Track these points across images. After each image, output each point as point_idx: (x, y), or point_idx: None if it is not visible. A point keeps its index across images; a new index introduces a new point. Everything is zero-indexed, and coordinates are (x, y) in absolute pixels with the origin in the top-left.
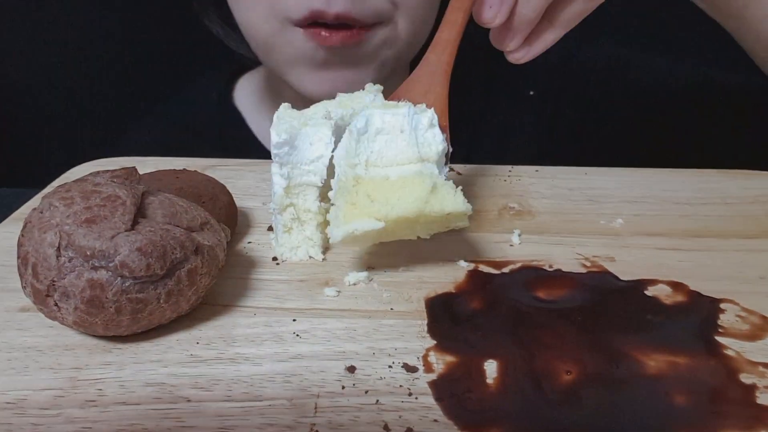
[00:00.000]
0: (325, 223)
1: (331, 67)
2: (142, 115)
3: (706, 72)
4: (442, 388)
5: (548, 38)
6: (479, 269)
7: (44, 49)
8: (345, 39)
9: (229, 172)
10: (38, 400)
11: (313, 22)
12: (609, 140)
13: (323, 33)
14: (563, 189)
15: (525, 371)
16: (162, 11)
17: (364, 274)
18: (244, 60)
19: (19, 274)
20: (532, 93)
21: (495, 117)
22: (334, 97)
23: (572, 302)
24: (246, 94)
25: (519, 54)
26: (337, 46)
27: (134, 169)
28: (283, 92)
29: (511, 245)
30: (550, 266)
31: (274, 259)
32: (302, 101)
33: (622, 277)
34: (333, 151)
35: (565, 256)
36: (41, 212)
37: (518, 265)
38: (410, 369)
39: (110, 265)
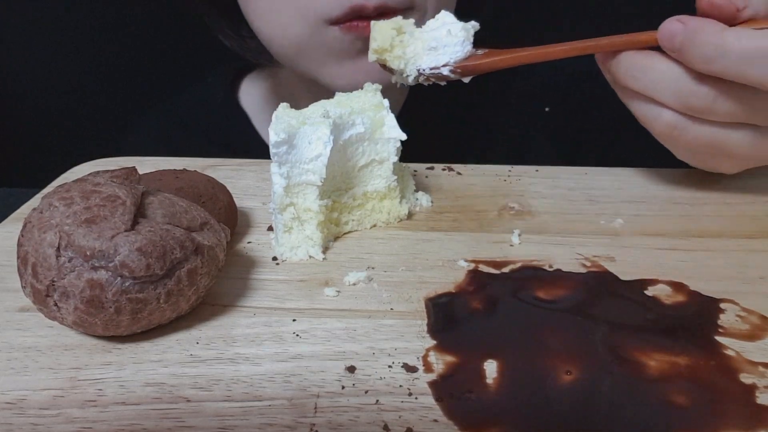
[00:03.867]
0: (325, 222)
1: (365, 56)
2: (146, 114)
3: None
4: (442, 388)
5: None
6: (479, 269)
7: (44, 48)
8: None
9: (229, 172)
10: (38, 400)
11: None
12: (609, 140)
13: (360, 24)
14: (563, 189)
15: (525, 371)
16: (166, 10)
17: (364, 274)
18: (250, 61)
19: (19, 274)
20: (547, 109)
21: (508, 128)
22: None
23: (572, 302)
24: (251, 94)
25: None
26: None
27: (134, 169)
28: (290, 91)
29: (511, 245)
30: (550, 266)
31: (274, 258)
32: (310, 99)
33: (622, 277)
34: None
35: (565, 256)
36: (41, 212)
37: (518, 265)
38: (410, 369)
39: (110, 265)
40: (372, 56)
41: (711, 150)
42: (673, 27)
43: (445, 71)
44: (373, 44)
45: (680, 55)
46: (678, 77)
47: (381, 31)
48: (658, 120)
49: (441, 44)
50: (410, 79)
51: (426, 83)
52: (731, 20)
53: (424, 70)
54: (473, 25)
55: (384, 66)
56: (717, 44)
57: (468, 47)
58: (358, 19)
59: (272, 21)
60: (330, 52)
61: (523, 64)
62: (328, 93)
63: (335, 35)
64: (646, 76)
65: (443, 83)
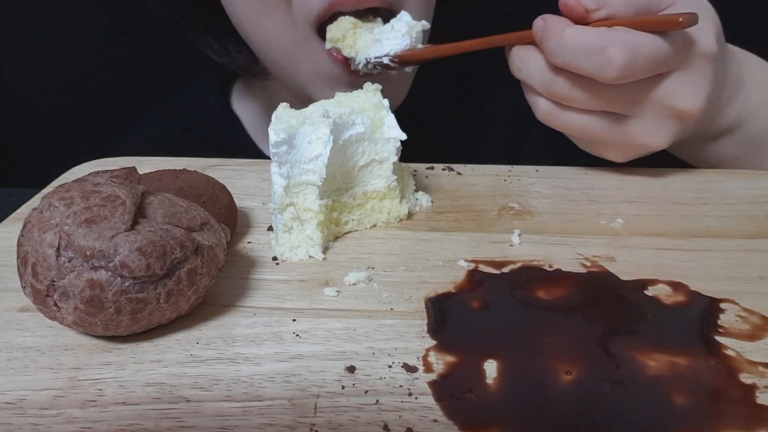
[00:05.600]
0: (326, 222)
1: (350, 87)
2: (141, 116)
3: None
4: (442, 388)
5: None
6: (479, 269)
7: (44, 49)
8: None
9: (229, 172)
10: (38, 400)
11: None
12: None
13: (338, 55)
14: (563, 189)
15: (525, 371)
16: (161, 13)
17: (364, 274)
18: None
19: (19, 274)
20: None
21: (501, 118)
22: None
23: (572, 302)
24: (243, 97)
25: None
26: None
27: (134, 169)
28: (282, 97)
29: (511, 245)
30: (550, 266)
31: (274, 258)
32: (300, 106)
33: (622, 277)
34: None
35: (565, 256)
36: (41, 212)
37: (518, 265)
38: (410, 369)
39: (110, 265)
40: (328, 44)
41: (584, 136)
42: (537, 23)
43: (386, 60)
44: (329, 34)
45: (541, 49)
46: (543, 68)
47: (339, 24)
48: (536, 107)
49: (384, 37)
50: (360, 66)
51: (374, 71)
52: (583, 19)
53: (370, 59)
54: (423, 25)
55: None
56: (557, 39)
57: (407, 41)
58: (408, 61)
59: (265, 27)
60: (321, 74)
61: (444, 55)
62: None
63: (323, 57)
64: (525, 67)
65: (393, 72)
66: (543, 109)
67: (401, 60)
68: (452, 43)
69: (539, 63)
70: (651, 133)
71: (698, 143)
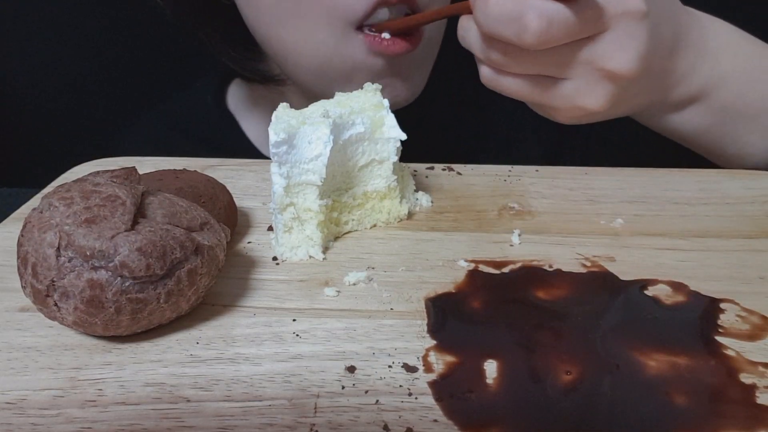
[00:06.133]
0: (326, 222)
1: (388, 75)
2: (139, 116)
3: None
4: (442, 388)
5: None
6: (479, 269)
7: (44, 49)
8: (409, 45)
9: (229, 172)
10: (38, 400)
11: (374, 23)
12: (609, 140)
13: (385, 42)
14: (563, 189)
15: (525, 371)
16: (162, 13)
17: (364, 274)
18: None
19: (19, 274)
20: None
21: (501, 118)
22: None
23: (572, 302)
24: (239, 97)
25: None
26: (401, 52)
27: (134, 168)
28: (277, 97)
29: (511, 245)
30: (550, 266)
31: (274, 258)
32: (296, 106)
33: (622, 277)
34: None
35: (565, 256)
36: (41, 212)
37: (518, 265)
38: (410, 369)
39: (110, 265)
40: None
41: (526, 99)
42: None
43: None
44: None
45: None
46: (479, 37)
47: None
48: (480, 73)
49: None
50: None
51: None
52: None
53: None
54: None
55: None
56: (481, 7)
57: (386, 13)
58: (379, 34)
59: (296, 27)
60: (355, 69)
61: (407, 25)
62: (315, 99)
63: (360, 49)
64: (467, 36)
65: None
66: (484, 75)
67: (377, 27)
68: (413, 15)
69: (476, 32)
70: (586, 94)
71: (665, 112)
